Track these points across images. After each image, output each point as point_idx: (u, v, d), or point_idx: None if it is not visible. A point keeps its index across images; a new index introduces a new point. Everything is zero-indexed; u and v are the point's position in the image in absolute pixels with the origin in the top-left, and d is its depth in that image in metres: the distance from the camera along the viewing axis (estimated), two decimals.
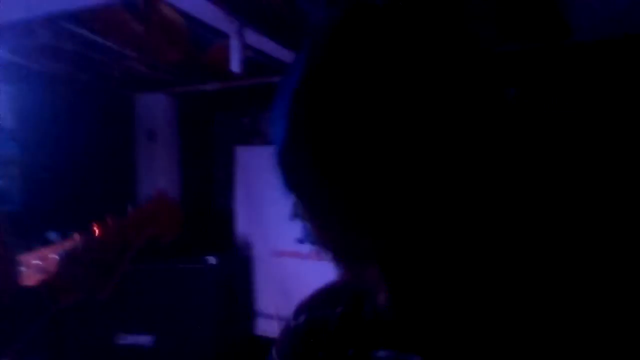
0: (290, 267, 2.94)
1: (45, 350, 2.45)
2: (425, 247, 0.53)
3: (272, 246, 3.00)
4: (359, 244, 0.54)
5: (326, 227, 0.55)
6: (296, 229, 2.88)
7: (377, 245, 0.53)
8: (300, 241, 2.90)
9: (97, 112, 2.88)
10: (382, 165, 0.50)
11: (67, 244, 1.26)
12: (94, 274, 1.18)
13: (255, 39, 2.07)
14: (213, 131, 3.27)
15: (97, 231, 1.22)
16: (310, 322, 0.73)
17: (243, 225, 3.09)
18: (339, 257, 0.57)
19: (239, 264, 3.01)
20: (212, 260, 2.82)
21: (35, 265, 1.29)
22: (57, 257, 1.26)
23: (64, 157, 2.72)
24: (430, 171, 0.50)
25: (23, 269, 1.26)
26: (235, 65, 1.88)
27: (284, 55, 2.30)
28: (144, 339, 2.67)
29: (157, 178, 3.07)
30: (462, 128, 0.51)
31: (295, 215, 0.56)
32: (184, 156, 3.14)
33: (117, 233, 1.22)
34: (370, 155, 0.50)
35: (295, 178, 0.55)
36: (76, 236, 1.24)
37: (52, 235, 2.38)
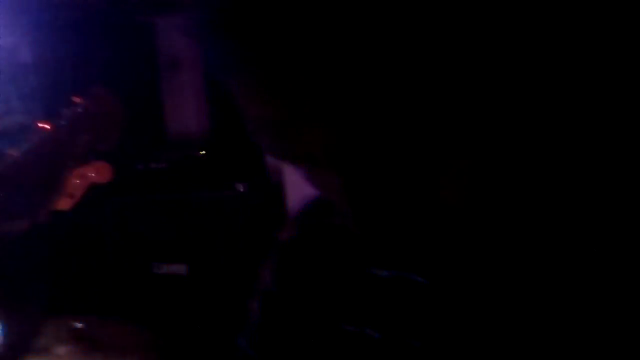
0: None
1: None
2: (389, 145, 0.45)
3: None
4: (307, 140, 0.46)
5: (269, 114, 0.47)
6: None
7: (329, 142, 0.45)
8: None
9: (116, 43, 2.82)
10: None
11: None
12: (28, 193, 1.03)
13: None
14: None
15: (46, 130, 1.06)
16: (301, 237, 0.69)
17: None
18: (288, 158, 0.50)
19: (269, 191, 2.96)
20: (241, 187, 2.78)
21: None
22: None
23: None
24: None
25: None
26: None
27: None
28: (179, 268, 2.68)
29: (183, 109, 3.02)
30: None
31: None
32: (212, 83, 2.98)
33: (49, 142, 1.07)
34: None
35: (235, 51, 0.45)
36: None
37: None
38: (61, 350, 1.47)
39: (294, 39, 0.42)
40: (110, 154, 1.22)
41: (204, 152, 2.90)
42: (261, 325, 0.70)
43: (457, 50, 0.43)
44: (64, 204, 1.14)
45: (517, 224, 0.53)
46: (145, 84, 3.00)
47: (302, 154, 0.48)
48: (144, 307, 2.61)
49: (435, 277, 0.56)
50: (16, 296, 1.17)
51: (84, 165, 1.16)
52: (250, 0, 0.43)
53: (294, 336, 0.67)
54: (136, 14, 2.90)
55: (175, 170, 2.82)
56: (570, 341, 0.50)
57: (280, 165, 3.16)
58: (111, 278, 2.68)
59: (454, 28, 0.43)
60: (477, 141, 0.48)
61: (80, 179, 1.15)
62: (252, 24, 0.43)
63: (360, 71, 0.42)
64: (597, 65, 0.49)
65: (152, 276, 2.69)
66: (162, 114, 3.07)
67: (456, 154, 0.47)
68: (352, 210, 0.48)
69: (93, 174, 1.17)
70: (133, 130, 2.76)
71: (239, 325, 0.72)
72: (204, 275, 2.68)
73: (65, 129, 1.07)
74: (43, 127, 1.06)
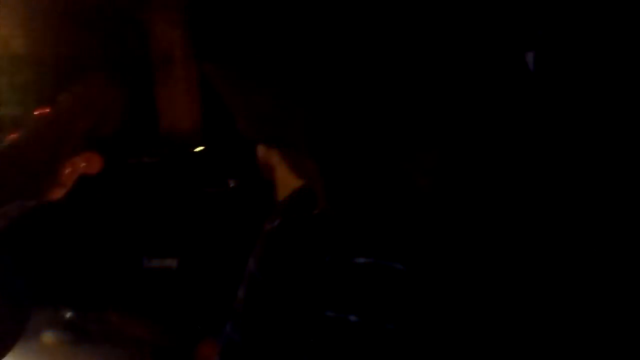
0: None
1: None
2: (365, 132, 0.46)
3: None
4: (288, 125, 0.47)
5: (251, 102, 0.48)
6: None
7: (309, 127, 0.46)
8: None
9: (109, 38, 2.82)
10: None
11: None
12: (22, 178, 1.02)
13: None
14: None
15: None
16: (284, 225, 0.69)
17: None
18: (269, 142, 0.52)
19: (261, 187, 2.99)
20: (232, 183, 2.78)
21: None
22: None
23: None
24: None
25: None
26: None
27: None
28: (169, 262, 2.68)
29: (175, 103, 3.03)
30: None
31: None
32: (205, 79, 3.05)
33: (45, 127, 1.05)
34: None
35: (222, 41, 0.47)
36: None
37: None
38: (49, 339, 1.48)
39: (280, 28, 0.43)
40: (102, 147, 1.22)
41: (200, 148, 2.89)
42: (246, 310, 0.72)
43: (427, 47, 0.45)
44: (56, 193, 1.14)
45: (490, 210, 0.54)
46: (138, 79, 2.99)
47: (284, 139, 0.49)
48: (134, 300, 2.61)
49: (413, 264, 0.57)
50: (5, 286, 1.16)
51: (75, 154, 1.16)
52: None
53: (277, 321, 0.68)
54: (130, 8, 2.91)
55: (168, 165, 2.82)
56: (540, 328, 0.52)
57: (271, 162, 3.17)
58: (101, 271, 2.69)
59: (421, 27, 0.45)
60: (448, 131, 0.49)
61: (71, 169, 1.15)
62: (242, 13, 0.44)
63: (340, 61, 0.43)
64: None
65: (142, 270, 2.69)
66: (155, 109, 3.06)
67: (428, 143, 0.48)
68: (328, 195, 0.50)
69: (83, 164, 1.17)
70: (126, 125, 2.79)
71: (228, 317, 0.73)
72: (195, 270, 2.69)
73: (64, 114, 1.07)
74: (41, 112, 1.06)
